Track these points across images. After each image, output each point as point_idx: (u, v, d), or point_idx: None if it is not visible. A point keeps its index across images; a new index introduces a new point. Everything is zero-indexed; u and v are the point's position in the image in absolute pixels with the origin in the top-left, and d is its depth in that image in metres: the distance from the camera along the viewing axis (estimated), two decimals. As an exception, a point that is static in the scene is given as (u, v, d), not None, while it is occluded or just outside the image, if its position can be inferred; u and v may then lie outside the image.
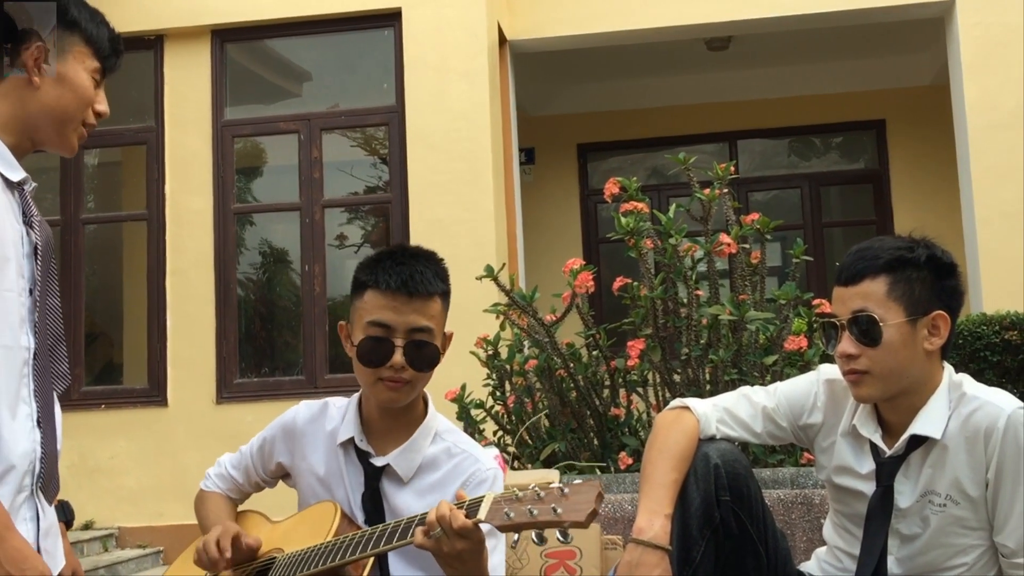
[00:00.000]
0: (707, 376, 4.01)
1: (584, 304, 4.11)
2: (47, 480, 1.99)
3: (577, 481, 1.95)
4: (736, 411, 2.46)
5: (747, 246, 4.20)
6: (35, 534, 1.94)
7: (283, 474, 2.61)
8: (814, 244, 10.09)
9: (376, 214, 8.62)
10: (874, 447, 2.34)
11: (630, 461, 3.96)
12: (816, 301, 4.14)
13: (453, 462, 2.40)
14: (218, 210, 7.93)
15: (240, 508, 2.67)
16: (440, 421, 2.49)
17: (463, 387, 4.26)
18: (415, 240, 7.68)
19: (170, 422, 7.91)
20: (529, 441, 4.24)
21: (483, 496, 2.01)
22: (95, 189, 8.83)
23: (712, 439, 2.42)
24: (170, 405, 7.94)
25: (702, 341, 4.04)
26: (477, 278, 4.21)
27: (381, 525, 2.18)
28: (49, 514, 2.02)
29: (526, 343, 4.30)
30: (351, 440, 2.43)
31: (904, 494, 2.29)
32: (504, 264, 4.34)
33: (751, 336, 4.03)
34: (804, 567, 2.55)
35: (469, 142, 7.71)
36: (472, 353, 4.41)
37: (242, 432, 7.89)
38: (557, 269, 10.09)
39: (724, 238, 4.09)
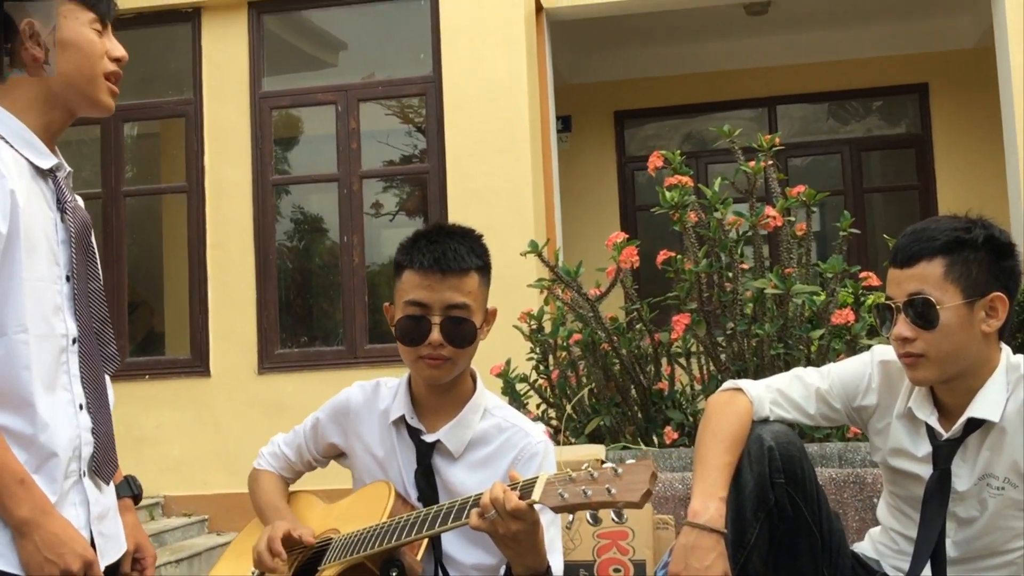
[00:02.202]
0: (752, 350, 3.99)
1: (628, 279, 4.10)
2: (101, 463, 2.01)
3: (630, 461, 1.95)
4: (789, 393, 2.45)
5: (792, 218, 4.16)
6: (85, 518, 1.97)
7: (336, 454, 2.63)
8: (855, 210, 9.95)
9: (414, 184, 8.62)
10: (930, 429, 2.32)
11: (675, 436, 3.96)
12: (863, 274, 4.09)
13: (503, 436, 2.42)
14: (257, 182, 7.96)
15: (293, 488, 2.69)
16: (489, 397, 2.51)
17: (507, 362, 4.27)
18: (453, 210, 7.69)
19: (213, 392, 8.00)
20: (574, 415, 4.25)
21: (536, 477, 2.01)
22: (135, 161, 8.88)
23: (765, 421, 2.41)
24: (213, 375, 8.02)
25: (747, 314, 4.02)
26: (521, 254, 4.20)
27: (436, 506, 2.20)
28: (106, 496, 2.05)
29: (569, 317, 4.30)
30: (402, 418, 2.45)
31: (961, 477, 2.28)
32: (548, 240, 4.32)
33: (796, 309, 4.00)
34: (858, 547, 2.54)
35: (506, 111, 7.68)
36: (515, 327, 4.41)
37: (284, 402, 8.02)
38: (595, 237, 10.09)
39: (769, 211, 4.06)
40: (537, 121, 8.04)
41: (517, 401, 4.26)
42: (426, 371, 2.36)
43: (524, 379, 4.37)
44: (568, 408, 3.99)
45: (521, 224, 7.56)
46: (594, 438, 4.12)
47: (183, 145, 8.14)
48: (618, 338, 4.11)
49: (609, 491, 1.89)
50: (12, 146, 1.95)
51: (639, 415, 4.16)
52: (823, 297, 3.97)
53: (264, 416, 7.89)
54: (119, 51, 2.08)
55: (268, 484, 2.63)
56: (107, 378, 2.14)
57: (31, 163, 1.97)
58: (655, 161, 4.21)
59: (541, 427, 3.60)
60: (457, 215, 7.66)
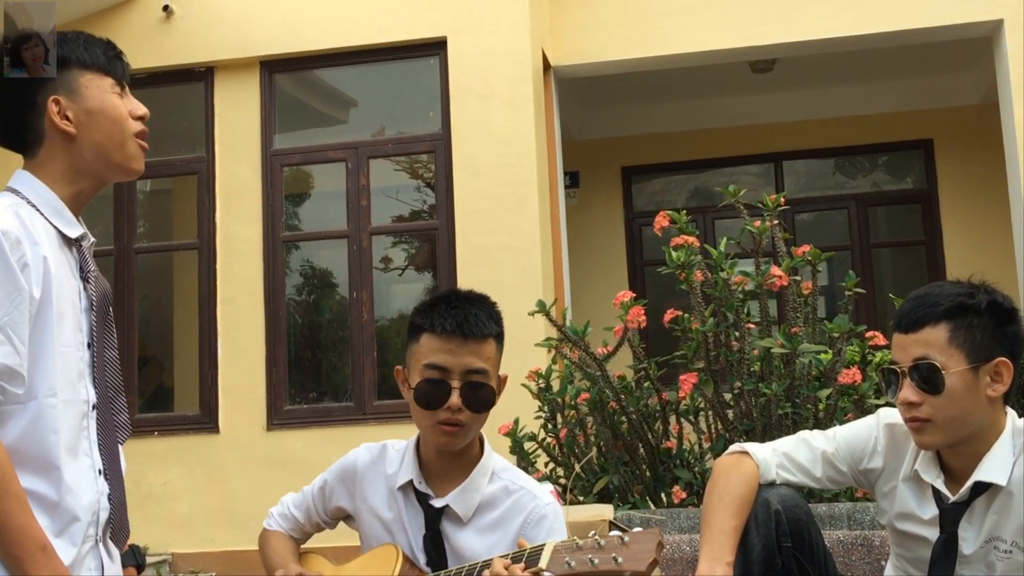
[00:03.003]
0: (760, 409, 4.00)
1: (635, 337, 4.12)
2: (117, 528, 2.04)
3: (637, 528, 1.96)
4: (796, 456, 2.46)
5: (798, 278, 4.18)
6: None
7: (343, 516, 2.64)
8: (862, 264, 10.01)
9: (423, 239, 8.69)
10: (936, 492, 2.33)
11: (683, 495, 3.95)
12: (869, 334, 4.11)
13: (511, 499, 2.43)
14: (267, 238, 8.03)
15: (303, 548, 2.70)
16: (496, 460, 2.52)
17: (516, 421, 4.28)
18: (461, 265, 7.73)
19: (221, 448, 8.00)
20: (582, 474, 4.25)
21: (543, 545, 2.02)
22: (147, 218, 8.98)
23: (772, 484, 2.42)
24: (221, 432, 8.03)
25: (754, 372, 4.03)
26: (529, 313, 4.23)
27: (443, 572, 2.20)
28: (115, 563, 2.06)
29: (577, 375, 4.32)
30: (410, 483, 2.46)
31: (968, 540, 2.28)
32: (556, 300, 4.35)
33: (803, 368, 4.01)
34: (865, 611, 2.54)
35: (514, 168, 7.75)
36: (524, 386, 4.43)
37: (292, 459, 8.01)
38: (603, 291, 10.12)
39: (775, 270, 4.09)
40: (545, 177, 8.10)
41: (525, 460, 4.26)
42: (441, 438, 2.38)
43: (532, 438, 4.38)
44: (576, 468, 3.99)
45: (529, 281, 7.59)
46: (602, 497, 4.12)
47: (195, 202, 8.22)
48: (626, 397, 4.12)
49: (616, 560, 1.90)
50: (43, 215, 2.00)
51: (647, 474, 4.16)
52: (830, 356, 3.99)
53: (272, 472, 7.88)
54: (141, 109, 2.15)
55: (278, 545, 2.65)
56: (119, 446, 2.16)
57: (59, 232, 2.02)
58: (661, 221, 4.26)
59: (549, 488, 3.61)
60: (465, 271, 7.71)
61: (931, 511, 2.32)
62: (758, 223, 4.25)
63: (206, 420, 8.07)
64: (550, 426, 4.41)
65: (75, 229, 2.06)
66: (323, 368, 8.68)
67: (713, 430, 4.18)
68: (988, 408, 2.27)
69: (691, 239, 4.06)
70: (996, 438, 2.28)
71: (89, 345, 2.05)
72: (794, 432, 4.02)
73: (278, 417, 7.99)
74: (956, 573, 2.29)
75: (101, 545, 2.03)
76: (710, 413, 4.15)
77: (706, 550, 2.28)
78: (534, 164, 7.77)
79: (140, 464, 7.97)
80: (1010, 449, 2.27)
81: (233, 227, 8.07)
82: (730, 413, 4.12)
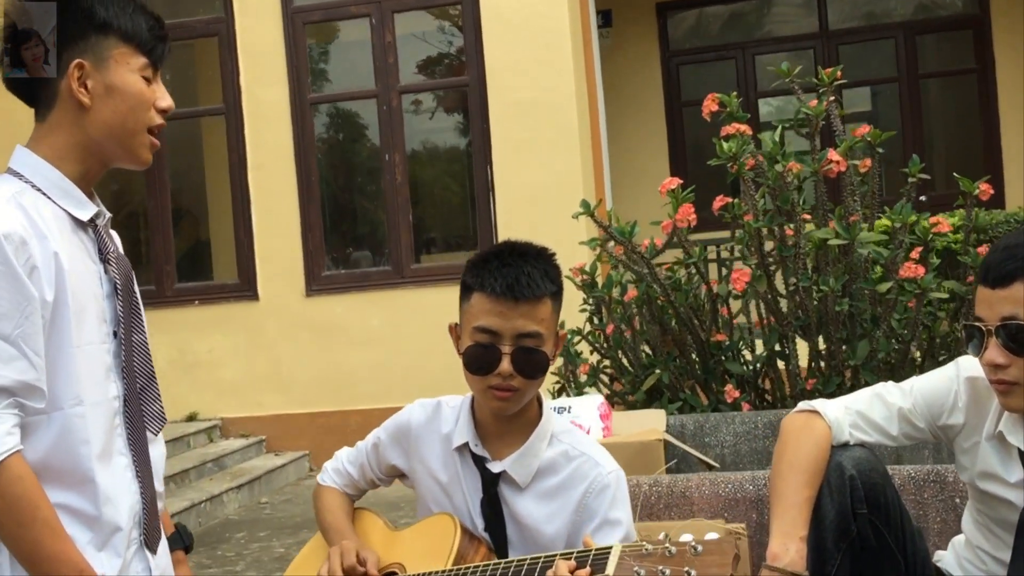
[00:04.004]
0: (816, 305, 3.86)
1: (684, 231, 3.95)
2: (150, 530, 1.96)
3: (711, 536, 1.85)
4: (870, 414, 2.34)
5: (856, 162, 3.96)
6: None
7: (398, 474, 2.57)
8: (910, 97, 9.65)
9: (454, 97, 8.43)
10: (1023, 455, 2.21)
11: (736, 394, 3.87)
12: (933, 220, 3.91)
13: (572, 465, 2.34)
14: (294, 101, 7.81)
15: (358, 504, 2.65)
16: (556, 422, 2.42)
17: (562, 324, 4.17)
18: (495, 123, 7.50)
19: (262, 316, 8.02)
20: (631, 368, 4.17)
21: (610, 548, 1.93)
22: (170, 84, 8.71)
23: (845, 445, 2.31)
24: (261, 299, 8.04)
25: (810, 268, 3.87)
26: (573, 216, 4.06)
27: (505, 563, 2.14)
28: (160, 556, 2.00)
29: (624, 274, 4.17)
30: (466, 444, 2.38)
31: (1057, 507, 2.18)
32: (600, 201, 4.16)
33: (861, 260, 3.84)
34: (941, 561, 2.47)
35: (545, 18, 7.42)
36: (567, 278, 4.29)
37: (333, 324, 8.02)
38: (640, 133, 9.83)
39: (832, 155, 3.87)
40: (578, 21, 7.76)
41: (573, 363, 4.18)
42: (494, 403, 2.27)
43: (578, 332, 4.27)
44: (624, 361, 3.88)
45: (565, 138, 7.38)
46: (652, 395, 4.05)
47: (218, 65, 7.97)
48: (674, 292, 3.99)
49: (688, 574, 1.81)
50: (50, 198, 1.85)
51: (698, 369, 4.07)
52: (889, 248, 3.80)
53: (314, 338, 7.92)
54: (167, 101, 1.95)
55: (332, 504, 2.59)
56: (155, 436, 2.05)
57: (70, 215, 1.87)
58: (709, 105, 4.01)
59: (598, 400, 3.54)
60: (499, 129, 7.49)
61: (1017, 474, 2.21)
62: (814, 103, 3.99)
63: (245, 288, 8.07)
64: (596, 320, 4.30)
65: (87, 210, 1.90)
66: (359, 233, 8.59)
67: (765, 322, 4.06)
68: (1083, 370, 2.12)
69: (743, 127, 3.83)
70: (1087, 399, 2.14)
71: (115, 334, 1.92)
72: (850, 327, 3.91)
73: (316, 283, 7.96)
74: (1043, 540, 2.19)
75: (144, 547, 1.95)
76: (762, 306, 4.01)
77: (777, 525, 2.20)
78: (565, 9, 7.43)
79: (184, 333, 8.03)
80: (1103, 412, 2.14)
81: (258, 90, 7.85)
82: (784, 304, 3.98)
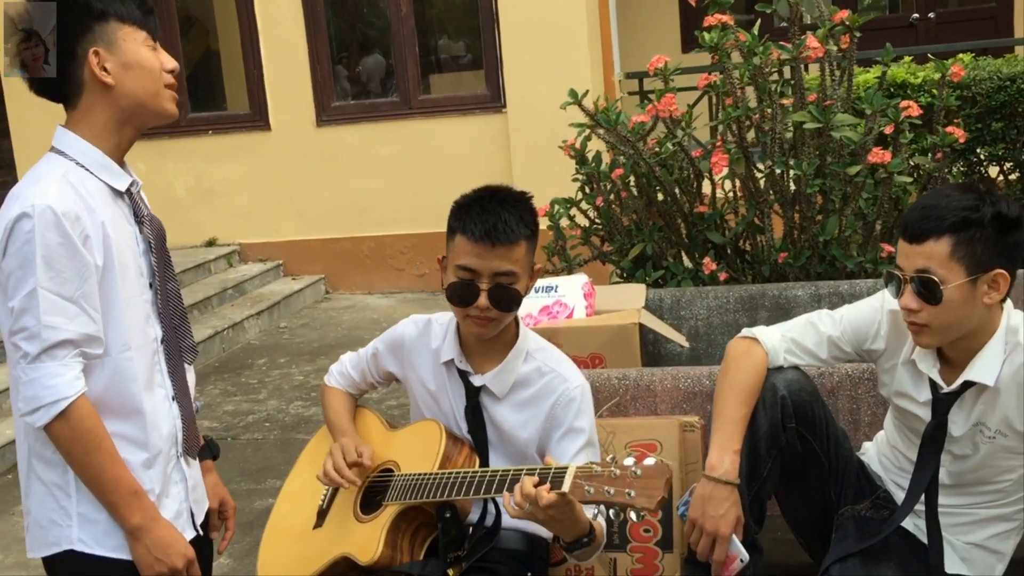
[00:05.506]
0: (790, 186, 4.12)
1: (669, 121, 4.17)
2: (190, 443, 2.35)
3: (649, 461, 2.20)
4: (803, 341, 2.67)
5: (833, 47, 4.12)
6: (184, 492, 2.34)
7: (394, 379, 2.94)
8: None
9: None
10: (932, 380, 2.54)
11: (713, 266, 4.18)
12: (904, 104, 4.10)
13: (543, 380, 2.70)
14: (298, -71, 7.79)
15: (360, 403, 3.03)
16: (531, 340, 2.76)
17: (552, 203, 4.44)
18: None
19: (275, 145, 8.27)
20: (619, 236, 4.46)
21: (566, 467, 2.29)
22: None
23: (780, 368, 2.65)
24: (273, 129, 8.27)
25: (785, 151, 4.10)
26: (561, 106, 4.26)
27: (486, 472, 2.51)
28: (193, 468, 2.40)
29: (611, 151, 4.40)
30: (452, 360, 2.73)
31: (957, 423, 2.52)
32: (586, 91, 4.34)
33: (835, 144, 4.06)
34: (866, 454, 2.84)
35: None
36: (560, 148, 4.54)
37: (344, 153, 8.27)
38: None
39: (811, 41, 4.03)
40: None
41: (561, 239, 4.47)
42: (474, 328, 2.61)
43: (571, 201, 4.54)
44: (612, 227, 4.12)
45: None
46: (637, 262, 4.36)
47: None
48: (660, 170, 4.24)
49: (628, 494, 2.18)
50: (93, 173, 2.16)
51: (684, 238, 4.36)
52: (861, 129, 4.02)
53: (327, 167, 8.19)
54: (171, 63, 2.25)
55: (336, 402, 2.97)
56: (189, 365, 2.42)
57: (109, 186, 2.18)
58: (697, -12, 4.14)
59: (583, 280, 3.87)
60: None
61: (926, 395, 2.55)
62: (797, -12, 4.11)
63: (257, 118, 8.28)
64: (587, 190, 4.57)
65: (123, 180, 2.21)
66: (365, 64, 8.69)
67: (742, 197, 4.32)
68: (984, 312, 2.42)
69: (725, 18, 3.98)
70: (990, 336, 2.45)
71: (151, 285, 2.26)
72: (823, 203, 4.18)
73: (326, 114, 8.17)
74: (944, 447, 2.55)
75: (182, 459, 2.35)
76: (738, 184, 4.27)
77: (716, 439, 2.56)
78: None
79: (199, 162, 8.31)
80: (1001, 348, 2.45)
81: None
82: (762, 183, 4.24)
